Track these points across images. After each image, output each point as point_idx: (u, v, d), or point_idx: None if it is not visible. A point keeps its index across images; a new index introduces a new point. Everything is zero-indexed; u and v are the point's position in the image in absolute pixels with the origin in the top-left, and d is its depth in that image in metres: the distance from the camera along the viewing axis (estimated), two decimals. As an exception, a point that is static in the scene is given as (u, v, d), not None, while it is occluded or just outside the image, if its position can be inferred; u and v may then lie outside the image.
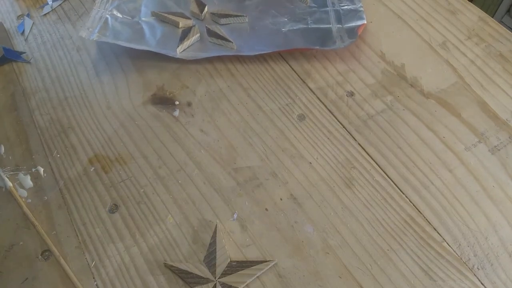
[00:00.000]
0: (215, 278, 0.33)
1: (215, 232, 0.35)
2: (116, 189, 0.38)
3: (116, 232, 0.35)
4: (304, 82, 0.44)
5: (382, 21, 0.48)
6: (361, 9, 0.47)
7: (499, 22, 0.47)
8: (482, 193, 0.36)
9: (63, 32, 0.49)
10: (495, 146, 0.39)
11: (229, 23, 0.47)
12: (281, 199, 0.37)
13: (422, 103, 0.42)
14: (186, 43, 0.45)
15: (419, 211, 0.36)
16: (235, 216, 0.36)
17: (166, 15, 0.47)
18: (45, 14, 0.51)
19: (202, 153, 0.39)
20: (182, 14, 0.48)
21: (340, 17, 0.47)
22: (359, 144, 0.39)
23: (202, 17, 0.48)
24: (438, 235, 0.34)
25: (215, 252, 0.34)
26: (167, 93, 0.44)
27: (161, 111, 0.42)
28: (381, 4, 0.49)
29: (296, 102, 0.42)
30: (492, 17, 0.48)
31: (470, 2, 0.49)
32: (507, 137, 0.39)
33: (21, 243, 0.35)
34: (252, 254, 0.34)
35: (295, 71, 0.45)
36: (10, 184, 0.37)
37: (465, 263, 0.33)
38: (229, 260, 0.34)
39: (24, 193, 0.37)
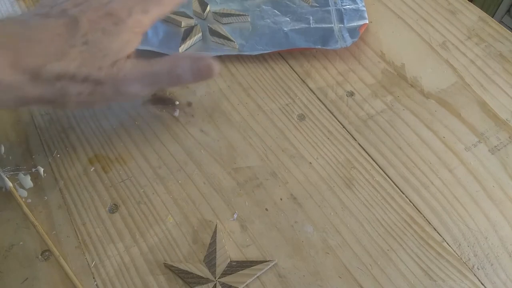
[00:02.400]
0: (215, 278, 0.33)
1: (215, 232, 0.35)
2: (116, 189, 0.38)
3: (116, 232, 0.35)
4: (304, 82, 0.44)
5: (382, 21, 0.48)
6: (363, 8, 0.47)
7: (499, 22, 0.47)
8: (482, 193, 0.36)
9: None
10: (495, 146, 0.39)
11: (231, 22, 0.47)
12: (281, 199, 0.37)
13: (422, 103, 0.42)
14: (188, 42, 0.45)
15: (419, 211, 0.36)
16: (235, 216, 0.36)
17: (168, 14, 0.47)
18: (45, 14, 0.51)
19: (202, 153, 0.39)
20: (184, 14, 0.48)
21: (342, 17, 0.47)
22: (359, 144, 0.39)
23: (204, 16, 0.48)
24: (438, 235, 0.34)
25: (215, 252, 0.34)
26: (167, 93, 0.44)
27: (161, 111, 0.42)
28: (381, 4, 0.49)
29: (296, 102, 0.42)
30: (492, 17, 0.48)
31: (470, 2, 0.49)
32: (507, 137, 0.39)
33: (21, 243, 0.35)
34: (252, 254, 0.34)
35: (295, 71, 0.45)
36: (10, 184, 0.37)
37: (465, 263, 0.33)
38: (229, 260, 0.34)
39: (24, 193, 0.37)
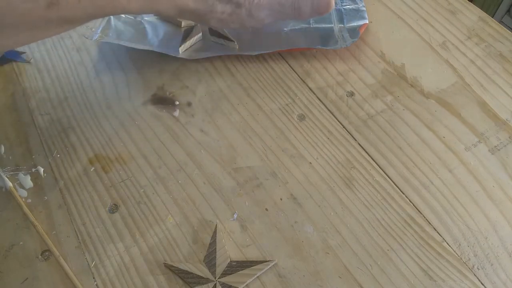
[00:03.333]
0: (215, 278, 0.33)
1: (215, 232, 0.35)
2: (116, 189, 0.38)
3: (116, 232, 0.35)
4: (304, 82, 0.44)
5: (382, 21, 0.48)
6: (363, 8, 0.47)
7: (499, 22, 0.47)
8: (482, 193, 0.36)
9: (63, 32, 0.49)
10: (495, 146, 0.39)
11: (229, 23, 0.47)
12: (281, 199, 0.37)
13: (422, 103, 0.42)
14: (188, 42, 0.45)
15: (419, 211, 0.36)
16: (235, 216, 0.36)
17: None
18: (45, 14, 0.51)
19: (202, 153, 0.39)
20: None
21: (342, 17, 0.47)
22: (359, 144, 0.39)
23: (203, 17, 0.48)
24: (438, 235, 0.34)
25: (215, 252, 0.34)
26: (167, 93, 0.44)
27: (161, 111, 0.42)
28: (381, 4, 0.49)
29: (296, 102, 0.42)
30: (492, 17, 0.48)
31: (470, 2, 0.49)
32: (507, 137, 0.39)
33: (21, 243, 0.35)
34: (252, 254, 0.34)
35: (295, 71, 0.45)
36: (10, 184, 0.37)
37: (465, 263, 0.33)
38: (229, 260, 0.34)
39: (24, 193, 0.37)
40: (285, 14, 0.38)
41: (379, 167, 0.38)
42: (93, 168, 0.39)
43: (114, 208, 0.37)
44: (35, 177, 0.38)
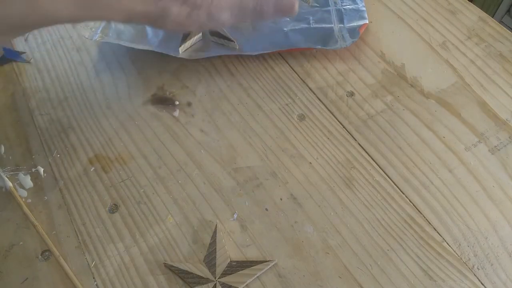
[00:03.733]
0: (215, 278, 0.33)
1: (215, 232, 0.35)
2: (116, 189, 0.38)
3: (116, 232, 0.35)
4: (304, 82, 0.44)
5: (382, 21, 0.48)
6: (363, 8, 0.47)
7: (499, 22, 0.47)
8: (482, 193, 0.36)
9: (63, 32, 0.49)
10: (495, 146, 0.39)
11: (230, 23, 0.47)
12: (281, 199, 0.37)
13: (422, 103, 0.42)
14: (188, 42, 0.45)
15: (419, 211, 0.36)
16: (235, 216, 0.36)
17: None
18: (45, 14, 0.51)
19: (202, 153, 0.39)
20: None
21: (342, 17, 0.47)
22: (359, 144, 0.39)
23: (203, 17, 0.48)
24: (438, 235, 0.34)
25: (215, 252, 0.34)
26: (167, 93, 0.44)
27: (161, 111, 0.42)
28: (381, 4, 0.49)
29: (296, 102, 0.42)
30: (492, 17, 0.48)
31: (470, 2, 0.49)
32: (507, 137, 0.39)
33: (21, 243, 0.35)
34: (252, 254, 0.34)
35: (295, 71, 0.45)
36: (10, 184, 0.37)
37: (465, 263, 0.33)
38: (229, 260, 0.34)
39: (24, 193, 0.37)
40: (246, 16, 0.36)
41: (379, 167, 0.38)
42: (93, 168, 0.39)
43: (114, 208, 0.37)
44: (35, 177, 0.38)
